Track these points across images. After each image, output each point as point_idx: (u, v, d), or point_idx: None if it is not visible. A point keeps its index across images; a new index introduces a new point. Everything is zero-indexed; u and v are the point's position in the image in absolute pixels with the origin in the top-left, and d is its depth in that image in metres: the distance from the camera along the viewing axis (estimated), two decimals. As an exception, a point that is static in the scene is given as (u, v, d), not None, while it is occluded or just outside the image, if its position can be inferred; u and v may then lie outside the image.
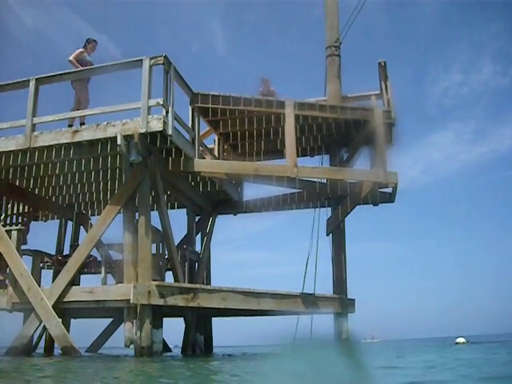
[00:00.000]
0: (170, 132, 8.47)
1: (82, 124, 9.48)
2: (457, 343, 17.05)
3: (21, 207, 11.92)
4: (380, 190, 10.44)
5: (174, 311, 9.61)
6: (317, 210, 11.48)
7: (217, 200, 12.03)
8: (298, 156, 10.88)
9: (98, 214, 12.52)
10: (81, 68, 9.68)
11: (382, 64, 10.25)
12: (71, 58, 9.87)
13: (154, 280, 8.47)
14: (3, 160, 9.67)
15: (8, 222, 11.71)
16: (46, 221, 13.09)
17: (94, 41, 10.35)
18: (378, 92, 10.55)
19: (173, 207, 12.31)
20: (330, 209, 11.40)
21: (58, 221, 12.64)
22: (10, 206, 11.76)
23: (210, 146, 11.61)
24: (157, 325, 8.44)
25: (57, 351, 10.02)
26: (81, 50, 9.92)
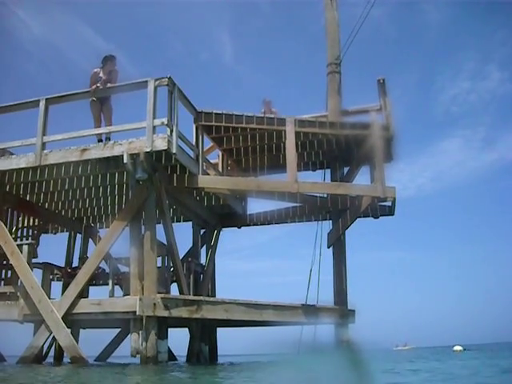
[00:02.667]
0: (174, 150, 8.82)
1: (107, 139, 9.77)
2: (454, 351, 17.32)
3: (31, 221, 12.36)
4: (380, 203, 10.72)
5: (179, 322, 9.91)
6: (319, 222, 11.82)
7: (221, 213, 12.36)
8: (300, 170, 11.26)
9: (106, 227, 12.86)
10: (88, 89, 9.98)
11: (381, 81, 10.56)
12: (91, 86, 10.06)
13: (159, 292, 8.81)
14: (14, 176, 10.05)
15: (19, 234, 12.13)
16: (55, 233, 13.44)
17: (111, 57, 10.40)
18: (378, 106, 10.81)
19: (178, 220, 12.64)
20: (331, 221, 11.69)
21: (67, 233, 13.03)
22: (20, 219, 12.17)
23: (214, 161, 11.96)
24: (162, 335, 8.78)
25: (66, 360, 10.35)
26: (95, 70, 10.13)
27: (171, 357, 11.06)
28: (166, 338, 9.03)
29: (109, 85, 9.93)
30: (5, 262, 10.37)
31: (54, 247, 13.70)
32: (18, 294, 9.67)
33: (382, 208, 11.08)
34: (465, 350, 17.09)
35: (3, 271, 10.62)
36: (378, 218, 11.32)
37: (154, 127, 8.88)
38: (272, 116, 10.59)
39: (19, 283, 9.78)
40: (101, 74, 10.06)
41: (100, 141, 9.75)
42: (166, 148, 8.72)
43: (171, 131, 8.93)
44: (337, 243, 11.32)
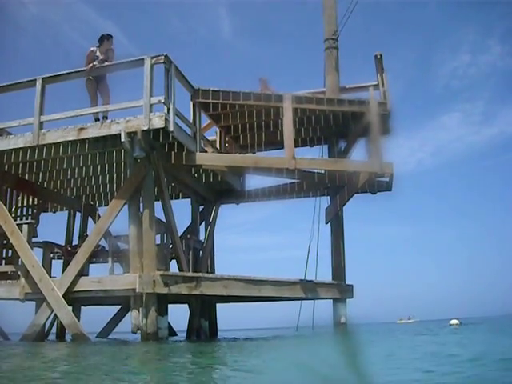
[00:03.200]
0: (171, 128, 8.84)
1: (105, 118, 9.78)
2: (451, 324, 17.49)
3: (30, 200, 12.41)
4: (378, 179, 10.77)
5: (179, 298, 10.03)
6: (317, 198, 11.90)
7: (219, 190, 12.40)
8: (298, 146, 11.32)
9: (105, 205, 12.95)
10: (84, 68, 9.95)
11: (378, 56, 10.55)
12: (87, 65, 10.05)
13: (158, 269, 8.90)
14: (13, 156, 10.08)
15: (18, 214, 12.19)
16: (55, 212, 13.51)
17: (108, 36, 10.41)
18: (376, 82, 10.82)
19: (177, 197, 12.70)
20: (328, 197, 11.76)
21: (67, 212, 13.09)
22: (20, 198, 12.22)
23: (212, 138, 11.99)
24: (162, 312, 8.88)
25: (68, 337, 10.48)
26: (91, 49, 10.08)
27: (171, 332, 11.19)
28: (166, 314, 9.12)
29: (105, 63, 9.90)
30: (5, 242, 10.46)
31: (53, 226, 13.78)
32: (19, 272, 9.77)
33: (379, 184, 11.12)
34: (461, 323, 17.26)
35: (4, 251, 10.73)
36: (375, 193, 11.37)
37: (151, 105, 8.89)
38: (269, 92, 10.59)
39: (20, 262, 9.87)
40: (97, 53, 10.05)
41: (97, 120, 9.76)
42: (163, 126, 8.75)
43: (168, 109, 8.93)
44: (334, 219, 11.40)
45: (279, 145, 11.42)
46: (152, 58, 9.03)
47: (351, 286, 11.17)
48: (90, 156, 10.14)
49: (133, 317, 8.78)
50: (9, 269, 10.19)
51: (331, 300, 11.02)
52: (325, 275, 11.39)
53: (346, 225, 11.63)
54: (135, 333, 8.78)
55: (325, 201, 11.80)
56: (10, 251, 10.64)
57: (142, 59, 9.07)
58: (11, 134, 10.39)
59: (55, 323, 11.42)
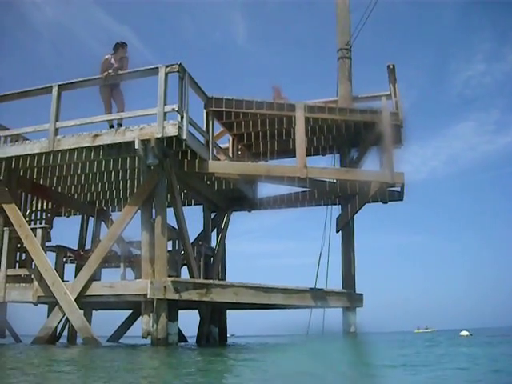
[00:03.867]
0: (184, 137, 8.94)
1: (119, 125, 9.90)
2: (461, 336, 17.46)
3: (45, 204, 12.59)
4: (389, 188, 10.80)
5: (189, 304, 10.10)
6: (328, 207, 11.97)
7: (231, 197, 12.48)
8: (310, 155, 11.38)
9: (118, 210, 13.08)
10: (99, 75, 10.09)
11: (391, 67, 10.61)
12: (102, 73, 10.11)
13: (169, 276, 9.00)
14: (28, 161, 10.22)
15: (33, 217, 12.37)
16: (68, 216, 13.64)
17: (123, 44, 10.53)
18: (388, 92, 10.86)
19: (189, 204, 12.80)
20: (340, 206, 11.81)
21: (80, 217, 13.23)
22: (34, 202, 12.40)
23: (225, 146, 12.08)
24: (172, 318, 8.97)
25: (79, 340, 10.60)
26: (106, 57, 10.21)
27: (181, 338, 11.27)
28: (177, 320, 9.21)
29: (120, 72, 10.03)
30: (19, 245, 10.60)
31: (66, 230, 13.95)
32: (32, 276, 9.91)
33: (391, 193, 11.14)
34: (471, 334, 17.21)
35: (17, 254, 10.87)
36: (386, 203, 11.37)
37: (165, 113, 9.00)
38: (282, 101, 10.66)
39: (33, 266, 10.02)
40: (112, 61, 10.17)
41: (111, 126, 9.89)
42: (176, 134, 8.86)
43: (182, 117, 9.04)
44: (345, 228, 11.45)
45: (291, 153, 11.49)
46: (166, 66, 9.14)
47: (361, 295, 11.20)
48: (103, 162, 10.26)
49: (143, 322, 8.89)
50: (22, 272, 10.32)
51: (341, 308, 11.06)
52: (336, 283, 11.45)
53: (357, 233, 11.69)
54: (145, 338, 8.88)
55: (336, 209, 11.87)
56: (24, 254, 10.78)
57: (157, 68, 9.19)
58: (27, 139, 10.56)
59: (66, 326, 11.54)
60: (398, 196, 11.07)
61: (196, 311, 11.21)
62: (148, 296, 8.64)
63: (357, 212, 11.08)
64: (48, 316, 9.91)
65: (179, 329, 9.98)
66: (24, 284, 10.03)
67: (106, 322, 12.51)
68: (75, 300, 9.32)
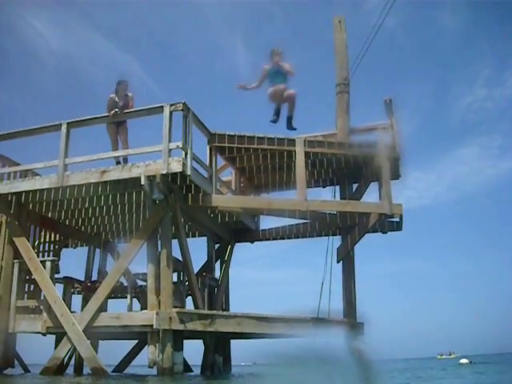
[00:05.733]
0: (188, 172, 9.31)
1: (125, 160, 10.39)
2: (460, 364, 17.53)
3: (52, 236, 12.91)
4: (388, 219, 11.06)
5: (194, 334, 10.33)
6: (329, 237, 12.23)
7: (235, 229, 12.79)
8: (311, 186, 11.69)
9: (124, 242, 13.39)
10: (106, 114, 10.50)
11: (388, 101, 10.91)
12: (108, 111, 10.52)
13: (175, 307, 9.29)
14: (38, 196, 10.59)
15: (41, 249, 12.68)
16: (75, 248, 13.94)
17: (122, 82, 10.97)
18: (385, 123, 11.12)
19: (193, 236, 13.10)
20: (340, 237, 12.07)
21: (87, 248, 13.55)
22: (42, 234, 12.73)
23: (227, 178, 12.42)
24: (177, 347, 9.25)
25: (86, 370, 10.83)
26: (111, 96, 10.64)
27: (186, 367, 11.49)
28: (182, 349, 9.48)
29: (126, 110, 10.45)
30: (27, 277, 10.90)
31: (73, 260, 14.23)
32: (41, 307, 10.20)
33: (390, 223, 11.40)
34: (471, 362, 17.27)
35: (26, 285, 11.17)
36: (386, 233, 11.64)
37: (170, 150, 9.37)
38: (281, 137, 10.97)
39: (42, 297, 10.31)
40: (116, 99, 10.62)
41: (118, 163, 10.28)
42: (181, 170, 9.22)
43: (186, 154, 9.41)
44: (346, 258, 11.70)
45: (293, 185, 11.82)
46: (171, 105, 9.52)
47: (362, 323, 11.41)
48: (110, 196, 10.61)
49: (149, 352, 9.15)
50: (31, 303, 10.60)
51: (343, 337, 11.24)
52: (339, 311, 11.62)
53: (358, 263, 11.92)
54: (152, 367, 9.13)
55: (337, 240, 12.12)
56: (32, 286, 11.07)
57: (162, 107, 9.57)
58: (37, 174, 10.93)
59: (73, 357, 11.76)
60: (397, 226, 11.32)
61: (200, 341, 11.44)
62: (154, 327, 8.91)
63: (357, 242, 11.34)
64: (56, 347, 10.19)
65: (184, 359, 10.23)
66: (33, 315, 10.32)
67: (112, 351, 12.72)
68: (83, 330, 9.59)
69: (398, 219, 11.03)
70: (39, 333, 10.10)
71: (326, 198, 11.87)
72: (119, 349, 13.17)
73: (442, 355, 62.30)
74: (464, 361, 17.37)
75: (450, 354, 62.02)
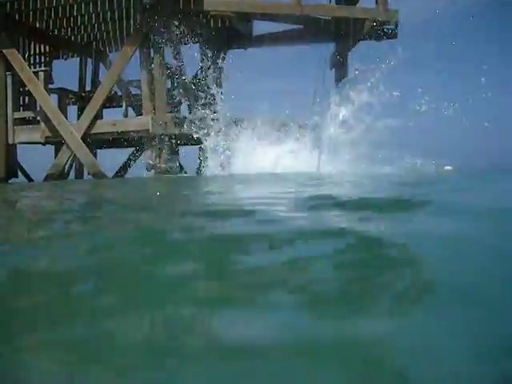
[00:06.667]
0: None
1: None
2: (445, 170, 17.69)
3: (42, 48, 12.63)
4: (384, 26, 10.84)
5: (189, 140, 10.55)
6: (324, 45, 12.03)
7: (228, 36, 12.49)
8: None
9: (115, 51, 13.13)
10: None
11: None
12: None
13: (169, 112, 9.43)
14: (23, 4, 10.21)
15: (31, 61, 12.45)
16: (66, 59, 13.68)
17: None
18: None
19: (186, 44, 12.83)
20: (334, 44, 11.89)
21: (78, 59, 13.33)
22: (32, 46, 12.44)
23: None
24: (173, 151, 9.52)
25: (86, 177, 11.19)
26: None
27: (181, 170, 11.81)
28: (177, 154, 9.75)
29: None
30: (21, 89, 10.86)
31: (65, 73, 14.09)
32: (38, 118, 10.31)
33: (386, 31, 11.18)
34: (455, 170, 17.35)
35: (22, 98, 11.16)
36: (380, 41, 11.46)
37: None
38: None
39: (38, 108, 10.37)
40: None
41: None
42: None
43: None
44: (338, 65, 11.60)
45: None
46: None
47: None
48: (99, 2, 10.25)
49: (146, 156, 9.45)
50: (28, 114, 10.69)
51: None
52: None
53: (351, 72, 11.85)
54: (149, 171, 9.46)
55: (331, 48, 11.94)
56: (27, 98, 11.08)
57: None
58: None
59: (73, 166, 12.08)
60: (392, 34, 11.11)
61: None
62: (150, 131, 9.11)
63: (350, 49, 11.24)
64: (55, 156, 10.44)
65: (180, 163, 10.54)
66: (31, 126, 10.45)
67: (110, 159, 12.95)
68: (81, 138, 9.80)
69: (393, 27, 10.82)
70: (38, 143, 10.32)
71: (322, 1, 11.54)
72: (116, 157, 13.40)
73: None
74: (448, 168, 17.44)
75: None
